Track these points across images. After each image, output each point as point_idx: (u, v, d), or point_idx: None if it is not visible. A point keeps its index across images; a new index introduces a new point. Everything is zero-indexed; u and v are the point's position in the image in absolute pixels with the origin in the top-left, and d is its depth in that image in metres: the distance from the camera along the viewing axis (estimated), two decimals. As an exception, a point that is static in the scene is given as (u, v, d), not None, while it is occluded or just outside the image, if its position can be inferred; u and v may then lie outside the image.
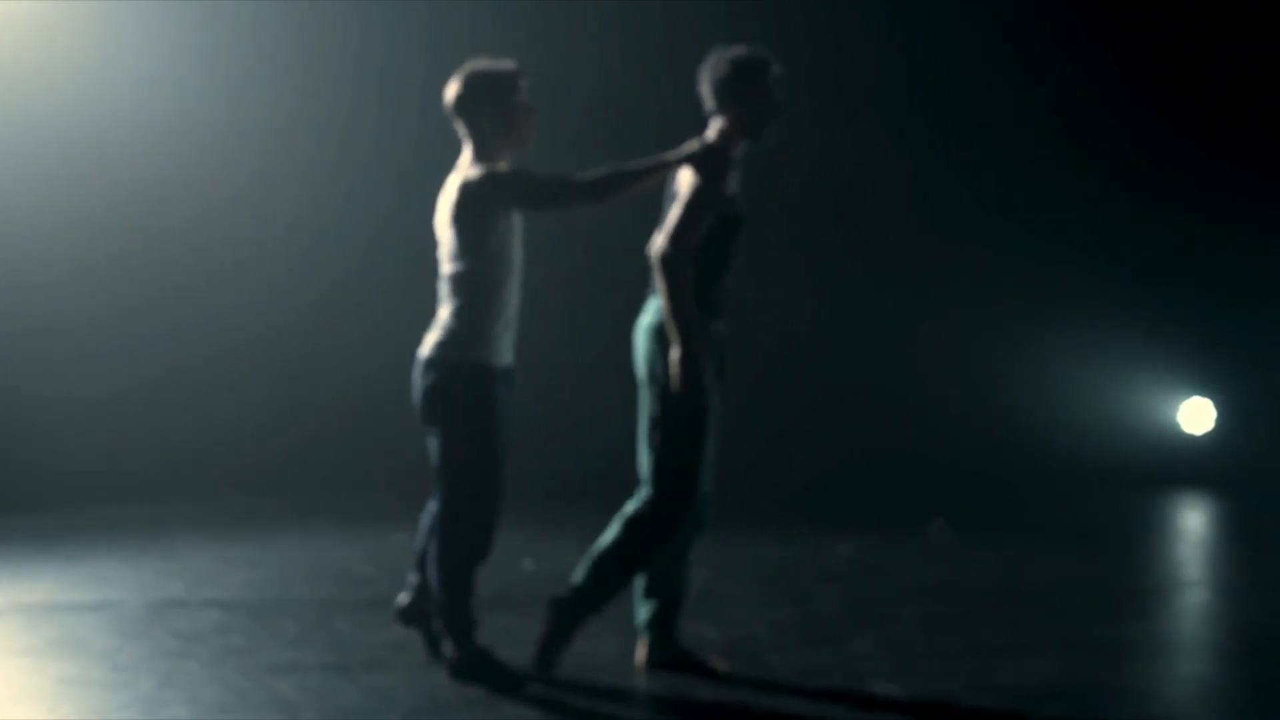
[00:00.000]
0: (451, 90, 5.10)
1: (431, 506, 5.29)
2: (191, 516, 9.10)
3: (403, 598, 5.36)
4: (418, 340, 5.18)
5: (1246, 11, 11.13)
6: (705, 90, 5.15)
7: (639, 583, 5.28)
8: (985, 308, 11.39)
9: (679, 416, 4.97)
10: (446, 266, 5.09)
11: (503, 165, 5.08)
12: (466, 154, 5.12)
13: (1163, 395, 11.74)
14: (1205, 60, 11.30)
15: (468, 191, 4.99)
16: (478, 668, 5.06)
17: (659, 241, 4.95)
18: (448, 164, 5.22)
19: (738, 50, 5.16)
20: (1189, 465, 11.34)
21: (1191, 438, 11.77)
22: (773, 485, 10.48)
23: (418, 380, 5.11)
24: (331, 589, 6.85)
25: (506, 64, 5.12)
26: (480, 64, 5.11)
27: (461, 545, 5.03)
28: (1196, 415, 11.79)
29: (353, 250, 10.72)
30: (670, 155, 5.02)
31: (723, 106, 5.13)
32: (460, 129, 5.12)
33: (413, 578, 5.34)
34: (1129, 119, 11.31)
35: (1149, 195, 11.35)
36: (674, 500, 5.02)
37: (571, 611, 5.15)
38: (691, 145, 5.01)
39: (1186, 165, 11.29)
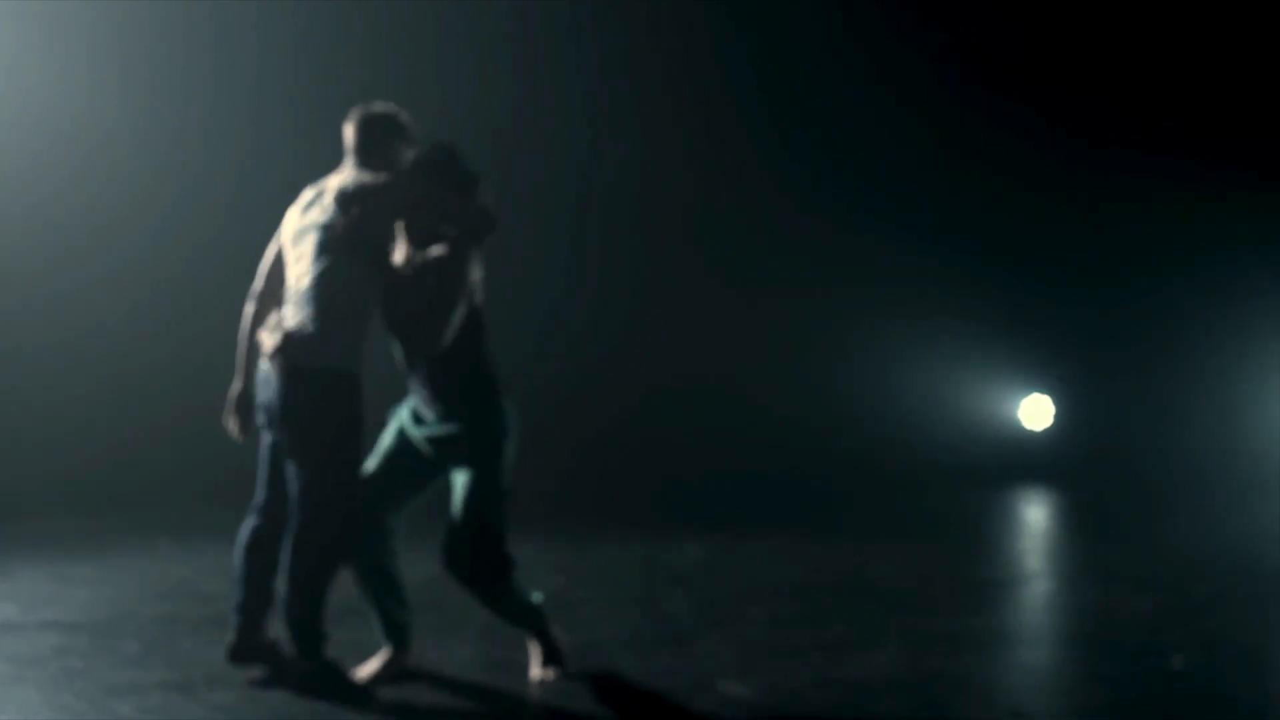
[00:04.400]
0: (387, 110, 5.23)
1: (250, 523, 5.22)
2: (25, 534, 8.82)
3: (231, 638, 5.25)
4: (255, 342, 5.09)
5: (1086, 8, 11.44)
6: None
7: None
8: (821, 304, 11.53)
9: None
10: (313, 266, 5.03)
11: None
12: (349, 166, 5.20)
13: (1003, 392, 12.01)
14: (1045, 56, 11.56)
15: (376, 191, 5.03)
16: (325, 681, 5.00)
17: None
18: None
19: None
20: (1029, 460, 11.62)
21: (1031, 434, 12.05)
22: (619, 491, 10.50)
23: (277, 385, 5.02)
24: (174, 606, 6.70)
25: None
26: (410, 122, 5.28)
27: (321, 554, 4.98)
28: (1036, 412, 12.09)
29: (186, 247, 10.44)
30: None
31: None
32: (352, 139, 5.19)
33: (236, 616, 5.23)
34: (970, 114, 11.53)
35: (987, 192, 11.58)
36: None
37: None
38: None
39: (1026, 163, 11.55)
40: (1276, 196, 11.32)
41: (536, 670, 5.24)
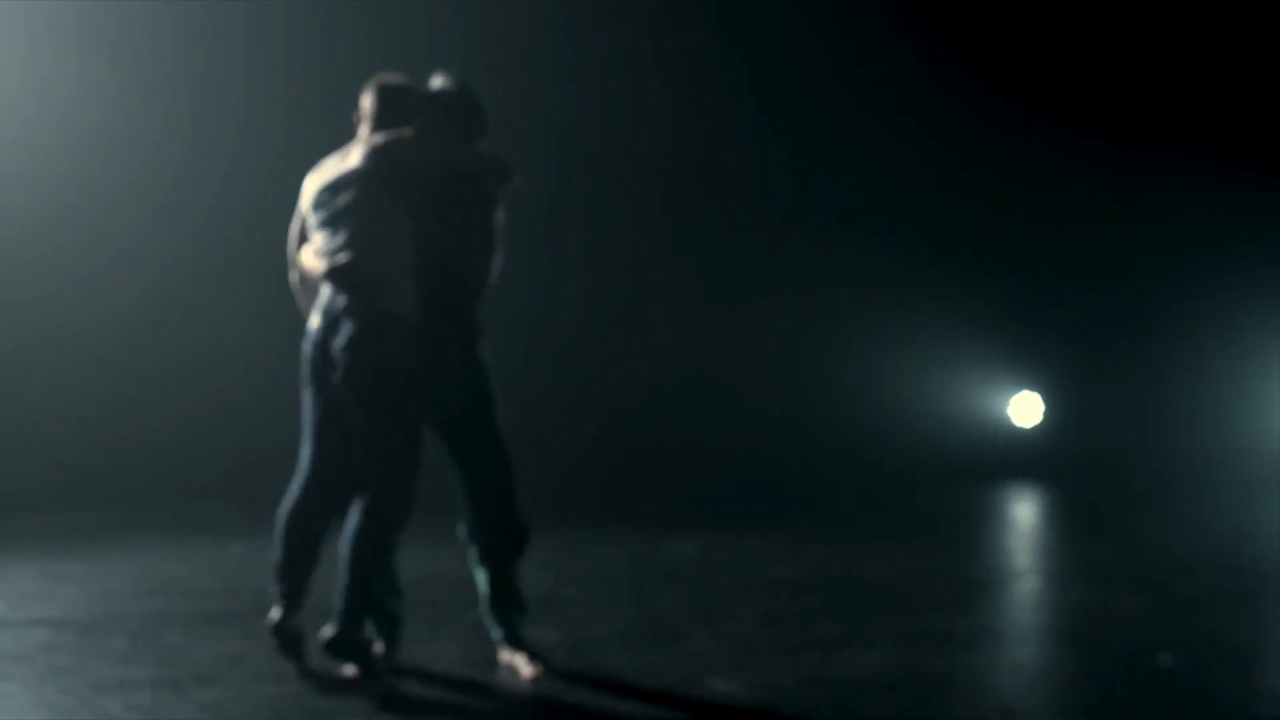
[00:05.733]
0: (403, 81, 5.28)
1: (295, 495, 5.14)
2: (14, 530, 8.80)
3: (277, 614, 5.13)
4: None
5: (1076, 7, 11.45)
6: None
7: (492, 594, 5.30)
8: (813, 303, 11.52)
9: None
10: (351, 218, 5.06)
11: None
12: (364, 131, 5.25)
13: (992, 389, 12.01)
14: (1033, 54, 11.56)
15: (406, 144, 5.10)
16: (354, 653, 5.01)
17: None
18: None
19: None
20: (1019, 458, 11.62)
21: (1021, 431, 12.06)
22: (612, 488, 10.49)
23: (346, 331, 4.98)
24: (164, 603, 6.67)
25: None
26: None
27: (390, 509, 4.99)
28: (1025, 409, 12.09)
29: (180, 246, 10.35)
30: None
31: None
32: (371, 108, 5.23)
33: (279, 585, 5.12)
34: (960, 112, 11.51)
35: (976, 189, 11.58)
36: None
37: None
38: None
39: (1015, 160, 11.55)
40: (1269, 195, 11.33)
41: (527, 669, 5.23)
